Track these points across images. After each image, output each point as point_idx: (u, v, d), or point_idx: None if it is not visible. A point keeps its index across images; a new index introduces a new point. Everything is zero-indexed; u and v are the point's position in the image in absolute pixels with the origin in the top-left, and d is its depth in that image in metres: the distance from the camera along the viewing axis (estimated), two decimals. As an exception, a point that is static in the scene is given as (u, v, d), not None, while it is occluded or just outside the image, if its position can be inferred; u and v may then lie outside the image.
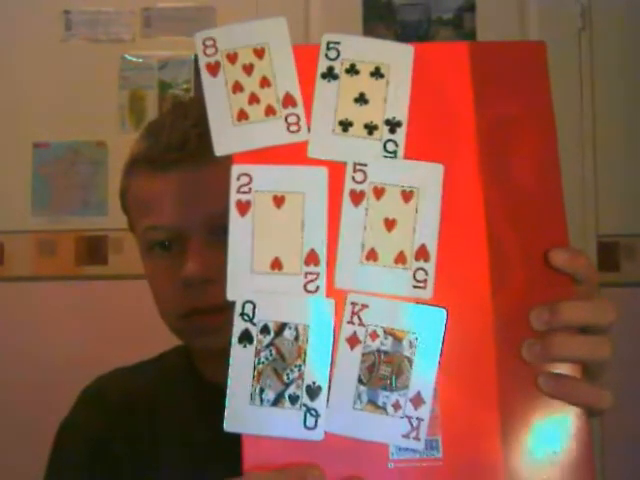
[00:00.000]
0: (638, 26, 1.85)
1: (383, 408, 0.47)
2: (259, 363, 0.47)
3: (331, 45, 0.49)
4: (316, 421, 0.46)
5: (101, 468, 0.78)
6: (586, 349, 0.48)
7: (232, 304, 0.47)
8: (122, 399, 0.82)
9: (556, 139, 0.51)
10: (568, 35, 1.83)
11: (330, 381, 0.46)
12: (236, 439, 0.46)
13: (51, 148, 1.86)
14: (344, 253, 0.47)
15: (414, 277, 0.47)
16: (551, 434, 0.48)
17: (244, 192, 0.48)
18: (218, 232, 0.70)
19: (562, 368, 0.48)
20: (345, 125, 0.48)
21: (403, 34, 1.88)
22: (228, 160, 0.48)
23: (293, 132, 0.48)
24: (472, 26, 1.88)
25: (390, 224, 0.48)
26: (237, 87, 0.49)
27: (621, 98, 1.85)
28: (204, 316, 0.73)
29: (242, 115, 0.48)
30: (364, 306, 0.47)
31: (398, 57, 0.50)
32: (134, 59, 1.89)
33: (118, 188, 0.80)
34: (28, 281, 1.84)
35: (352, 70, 0.49)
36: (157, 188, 0.73)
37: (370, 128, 0.49)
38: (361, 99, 0.49)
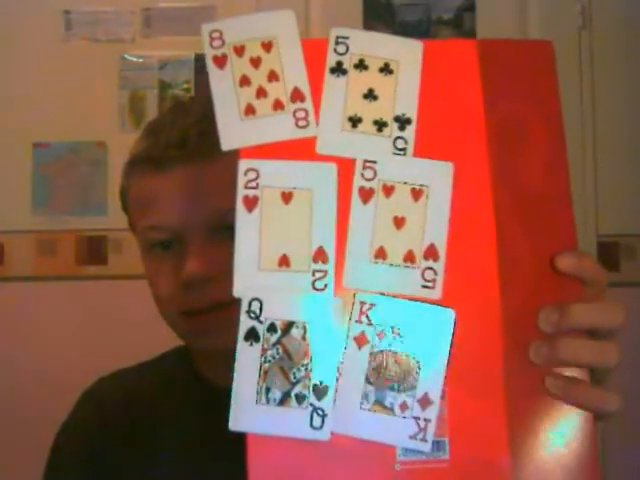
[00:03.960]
0: (638, 26, 1.85)
1: (390, 409, 0.46)
2: (265, 362, 0.46)
3: (340, 39, 0.49)
4: (323, 421, 0.45)
5: (99, 470, 0.78)
6: (594, 354, 0.48)
7: (238, 301, 0.46)
8: (122, 400, 0.82)
9: (564, 139, 0.50)
10: (568, 34, 1.83)
11: (337, 381, 0.46)
12: (236, 440, 0.46)
13: (51, 148, 1.86)
14: (353, 251, 0.47)
15: (422, 276, 0.47)
16: (558, 436, 0.47)
17: (251, 187, 0.47)
18: (219, 231, 0.70)
19: (569, 370, 0.48)
20: (354, 121, 0.48)
21: (403, 34, 1.86)
22: (230, 158, 0.47)
23: (301, 127, 0.47)
24: (472, 26, 1.88)
25: (399, 222, 0.47)
26: (244, 81, 0.48)
27: (621, 97, 1.85)
28: (204, 315, 0.72)
29: (249, 110, 0.48)
30: (372, 305, 0.46)
31: (407, 53, 0.49)
32: (134, 59, 1.88)
33: (118, 188, 0.79)
34: (28, 281, 1.84)
35: (361, 65, 0.49)
36: (157, 187, 0.72)
37: (379, 125, 0.48)
38: (370, 95, 0.48)
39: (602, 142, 1.84)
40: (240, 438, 0.46)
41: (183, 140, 0.72)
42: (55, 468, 0.81)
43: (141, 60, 1.88)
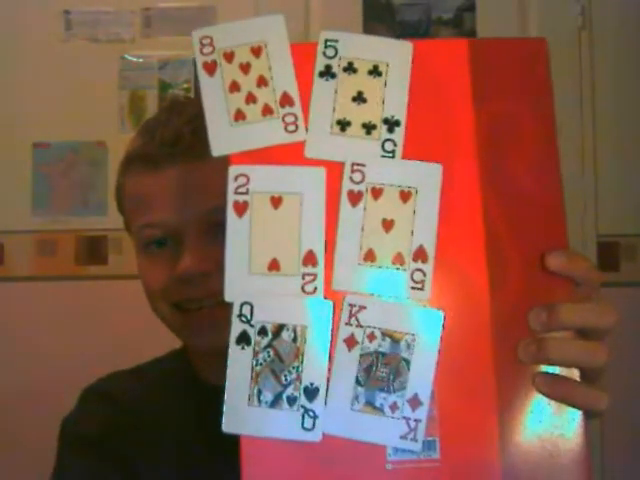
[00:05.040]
0: (638, 25, 1.85)
1: (380, 409, 0.46)
2: (257, 364, 0.46)
3: (329, 43, 0.49)
4: (314, 422, 0.46)
5: (108, 459, 0.78)
6: (582, 354, 0.48)
7: (230, 305, 0.47)
8: (123, 398, 0.82)
9: (556, 139, 0.50)
10: (568, 35, 1.83)
11: (328, 382, 0.46)
12: (234, 440, 0.46)
13: (51, 148, 1.86)
14: (342, 254, 0.47)
15: (412, 278, 0.47)
16: (548, 435, 0.47)
17: (241, 193, 0.47)
18: (213, 228, 0.70)
19: (559, 369, 0.48)
20: (343, 125, 0.48)
21: (403, 34, 1.88)
22: (223, 157, 0.48)
23: (290, 132, 0.48)
24: (472, 26, 1.88)
25: (388, 225, 0.47)
26: (234, 86, 0.48)
27: (621, 97, 1.85)
28: (198, 312, 0.73)
29: (239, 115, 0.48)
30: (362, 307, 0.46)
31: (397, 55, 0.49)
32: (134, 59, 1.89)
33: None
34: (28, 281, 1.84)
35: (350, 68, 0.49)
36: (152, 185, 0.73)
37: (368, 128, 0.48)
38: (359, 98, 0.49)
39: (602, 142, 1.83)
40: (237, 438, 0.46)
41: (177, 138, 0.72)
42: (66, 464, 0.81)
43: (141, 60, 1.89)
